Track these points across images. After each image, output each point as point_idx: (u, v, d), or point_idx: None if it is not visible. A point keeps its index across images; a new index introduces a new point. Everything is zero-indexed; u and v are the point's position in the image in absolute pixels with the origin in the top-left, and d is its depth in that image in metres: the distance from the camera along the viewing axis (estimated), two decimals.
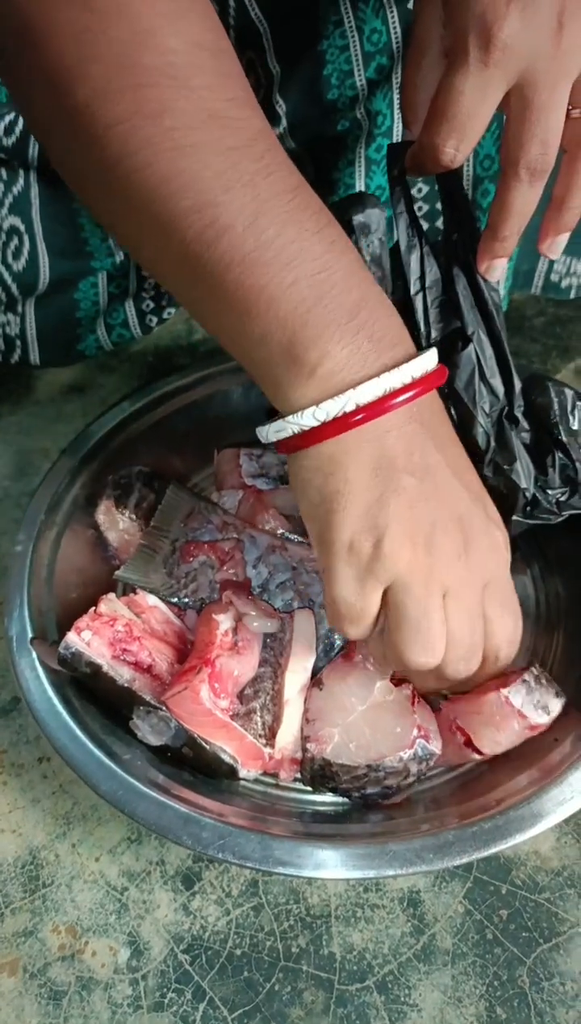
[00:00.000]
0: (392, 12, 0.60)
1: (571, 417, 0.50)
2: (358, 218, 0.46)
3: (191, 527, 0.53)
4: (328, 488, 0.38)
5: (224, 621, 0.47)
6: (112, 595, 0.49)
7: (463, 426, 0.47)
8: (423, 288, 0.47)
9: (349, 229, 0.45)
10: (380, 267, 0.47)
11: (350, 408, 0.37)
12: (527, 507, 0.48)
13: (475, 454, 0.46)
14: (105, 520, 0.55)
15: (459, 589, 0.39)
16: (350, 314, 0.37)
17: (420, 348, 0.41)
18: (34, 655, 0.47)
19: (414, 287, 0.47)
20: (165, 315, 0.77)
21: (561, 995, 0.44)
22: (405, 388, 0.38)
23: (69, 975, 0.45)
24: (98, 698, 0.46)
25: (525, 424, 0.48)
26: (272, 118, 0.65)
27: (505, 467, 0.47)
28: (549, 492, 0.48)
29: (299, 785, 0.48)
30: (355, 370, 0.37)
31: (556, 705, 0.45)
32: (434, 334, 0.47)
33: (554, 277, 0.74)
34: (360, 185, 0.66)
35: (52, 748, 0.44)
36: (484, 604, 0.41)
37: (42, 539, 0.52)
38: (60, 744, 0.44)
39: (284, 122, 0.66)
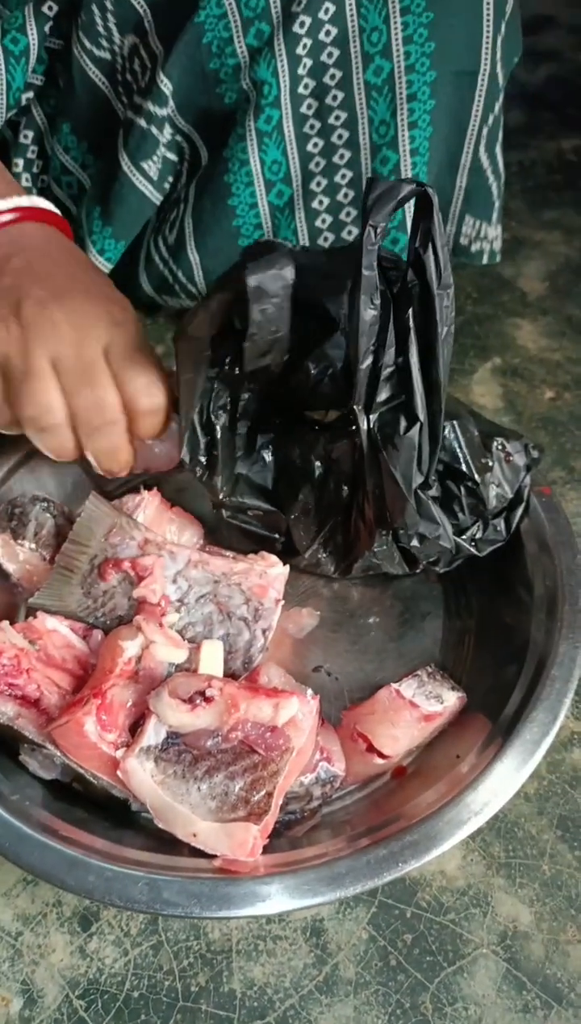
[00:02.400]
0: None
1: (484, 451, 0.49)
2: (252, 281, 0.42)
3: (111, 543, 0.50)
4: None
5: (130, 647, 0.44)
6: (4, 623, 0.47)
7: (392, 505, 0.46)
8: (374, 356, 0.43)
9: (245, 291, 0.43)
10: (276, 327, 0.44)
11: None
12: (452, 559, 0.50)
13: (396, 529, 0.47)
14: (3, 553, 0.52)
15: (62, 351, 0.45)
16: None
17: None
18: None
19: (364, 354, 0.42)
20: None
21: (464, 1020, 0.43)
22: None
23: None
24: None
25: (434, 482, 0.48)
26: (159, 99, 0.63)
27: (429, 537, 0.47)
28: (465, 536, 0.49)
29: None
30: None
31: (451, 696, 0.46)
32: (379, 399, 0.43)
33: (463, 241, 0.73)
34: (254, 160, 0.64)
35: None
36: (108, 363, 0.46)
37: None
38: None
39: (171, 102, 0.63)
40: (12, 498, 0.54)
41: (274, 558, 0.50)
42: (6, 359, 0.46)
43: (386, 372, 0.43)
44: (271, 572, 0.49)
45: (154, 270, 0.75)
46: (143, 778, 0.40)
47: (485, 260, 0.75)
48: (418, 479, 0.45)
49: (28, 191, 0.74)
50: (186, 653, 0.46)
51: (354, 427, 0.45)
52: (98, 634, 0.48)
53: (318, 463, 0.49)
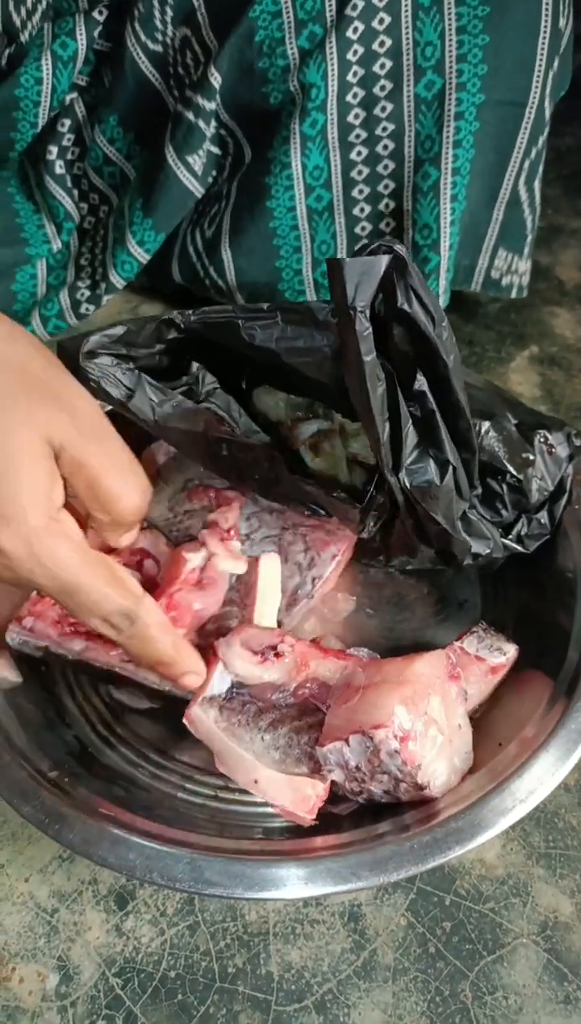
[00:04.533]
0: None
1: (525, 444, 0.48)
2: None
3: (210, 474, 0.54)
4: None
5: (193, 559, 0.47)
6: None
7: (438, 538, 0.45)
8: (390, 423, 0.41)
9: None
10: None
11: None
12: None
13: (451, 556, 0.47)
14: None
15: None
16: None
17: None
18: None
19: (382, 427, 0.41)
20: (102, 301, 0.74)
21: (504, 1009, 0.43)
22: None
23: None
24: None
25: (477, 496, 0.47)
26: (208, 93, 0.63)
27: (483, 554, 0.47)
28: (511, 535, 0.49)
29: (238, 796, 0.46)
30: None
31: (510, 648, 0.47)
32: (408, 462, 0.41)
33: (495, 274, 0.73)
34: (295, 163, 0.64)
35: None
36: (63, 451, 0.35)
37: None
38: None
39: (218, 96, 0.63)
40: None
41: (346, 525, 0.50)
42: None
43: (406, 430, 0.41)
44: (338, 531, 0.50)
45: (187, 263, 0.75)
46: (208, 724, 0.40)
47: (514, 294, 0.74)
48: (461, 509, 0.44)
49: (61, 179, 0.74)
50: (245, 565, 0.48)
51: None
52: (151, 564, 0.49)
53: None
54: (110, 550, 0.42)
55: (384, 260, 0.37)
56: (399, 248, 0.37)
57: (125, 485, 0.36)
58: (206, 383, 0.47)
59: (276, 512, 0.52)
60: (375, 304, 0.38)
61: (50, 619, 0.46)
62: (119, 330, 0.44)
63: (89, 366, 0.42)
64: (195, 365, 0.47)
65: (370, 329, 0.37)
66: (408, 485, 0.42)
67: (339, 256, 0.69)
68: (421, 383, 0.40)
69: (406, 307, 0.38)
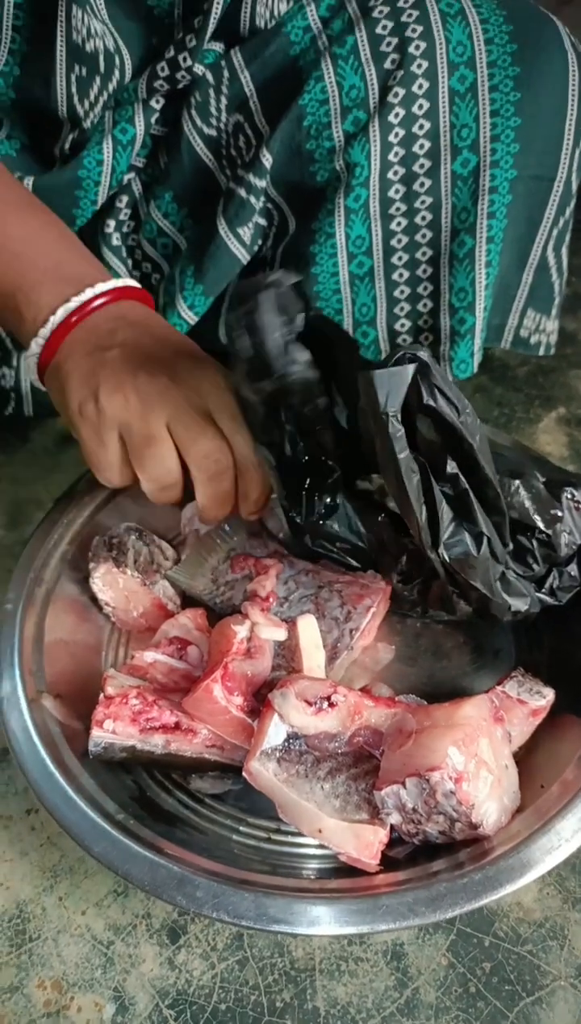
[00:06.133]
0: (370, 70, 0.64)
1: (553, 501, 0.51)
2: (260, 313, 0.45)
3: (250, 543, 0.58)
4: (61, 382, 0.51)
5: (241, 630, 0.49)
6: (112, 670, 0.50)
7: (479, 604, 0.49)
8: (425, 503, 0.45)
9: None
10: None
11: (55, 327, 0.52)
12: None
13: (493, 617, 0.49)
14: (103, 581, 0.55)
15: (176, 414, 0.49)
16: (50, 272, 0.54)
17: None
18: (25, 714, 0.47)
19: (419, 510, 0.44)
20: None
21: None
22: (94, 299, 0.52)
23: None
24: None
25: (509, 552, 0.50)
26: (259, 172, 0.68)
27: (522, 611, 0.49)
28: (544, 589, 0.51)
29: (291, 839, 0.48)
30: (56, 304, 0.52)
31: (548, 691, 0.49)
32: (445, 537, 0.45)
33: (524, 333, 0.77)
34: (339, 234, 0.69)
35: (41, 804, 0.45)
36: (216, 423, 0.49)
37: (31, 597, 0.53)
38: (52, 805, 0.44)
39: (269, 174, 0.68)
40: (109, 531, 0.58)
41: (379, 576, 0.53)
42: (128, 426, 0.49)
43: (441, 509, 0.44)
44: (372, 584, 0.52)
45: None
46: (268, 777, 0.42)
47: (541, 352, 0.78)
48: (498, 572, 0.47)
49: (117, 250, 0.79)
50: (285, 632, 0.51)
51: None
52: (193, 650, 0.51)
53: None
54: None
55: (410, 369, 0.41)
56: (422, 354, 0.41)
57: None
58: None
59: (312, 572, 0.55)
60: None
61: (127, 717, 0.46)
62: (293, 277, 0.47)
63: (266, 295, 0.45)
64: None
65: (402, 431, 0.41)
66: (447, 559, 0.45)
67: (378, 319, 0.74)
68: (452, 466, 0.44)
69: (431, 403, 0.42)
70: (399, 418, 0.41)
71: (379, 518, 0.52)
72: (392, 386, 0.41)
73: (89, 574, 0.55)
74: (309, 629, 0.50)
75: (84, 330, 0.51)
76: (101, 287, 0.53)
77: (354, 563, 0.56)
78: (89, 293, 0.52)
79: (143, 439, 0.49)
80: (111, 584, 0.55)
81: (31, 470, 0.77)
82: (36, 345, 0.52)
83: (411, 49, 0.62)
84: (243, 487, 0.52)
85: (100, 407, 0.49)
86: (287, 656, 0.51)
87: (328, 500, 0.52)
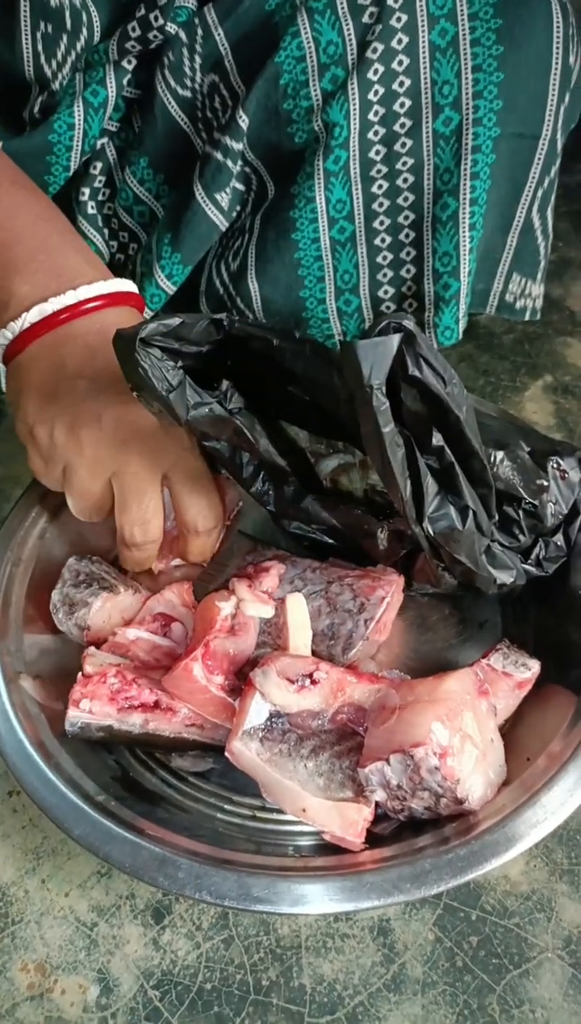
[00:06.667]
0: (348, 25, 0.61)
1: (538, 471, 0.50)
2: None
3: (246, 559, 0.57)
4: (19, 386, 0.49)
5: (225, 607, 0.48)
6: (92, 649, 0.49)
7: (465, 576, 0.48)
8: (409, 477, 0.43)
9: None
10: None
11: (26, 326, 0.48)
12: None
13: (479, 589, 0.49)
14: (107, 614, 0.52)
15: (122, 473, 0.48)
16: (28, 259, 0.49)
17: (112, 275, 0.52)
18: (3, 695, 0.46)
19: (403, 485, 0.43)
20: None
21: (531, 1022, 0.44)
22: (77, 305, 0.48)
23: (38, 1015, 0.45)
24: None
25: (495, 524, 0.49)
26: (236, 134, 0.66)
27: (508, 583, 0.48)
28: (530, 559, 0.50)
29: (277, 815, 0.47)
30: (34, 299, 0.48)
31: (534, 664, 0.48)
32: (430, 511, 0.44)
33: (509, 298, 0.75)
34: (319, 198, 0.67)
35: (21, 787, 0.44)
36: (170, 484, 0.49)
37: (10, 577, 0.52)
38: (31, 787, 0.43)
39: (246, 137, 0.66)
40: (64, 578, 0.54)
41: (391, 570, 0.52)
42: (73, 469, 0.48)
43: (426, 482, 0.43)
44: (384, 576, 0.51)
45: (214, 294, 0.78)
46: (250, 757, 0.42)
47: (528, 316, 0.76)
48: (484, 545, 0.46)
49: (92, 218, 0.77)
50: (273, 609, 0.50)
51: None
52: (177, 626, 0.51)
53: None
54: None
55: (396, 339, 0.38)
56: (407, 323, 0.39)
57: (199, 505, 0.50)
58: (233, 401, 0.48)
59: (319, 569, 0.53)
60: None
61: (105, 696, 0.46)
62: (176, 321, 0.44)
63: (142, 354, 0.43)
64: (225, 383, 0.48)
65: (387, 404, 0.39)
66: (432, 533, 0.44)
67: (361, 286, 0.72)
68: (438, 439, 0.42)
69: (417, 373, 0.40)
70: (384, 391, 0.39)
71: (340, 507, 0.51)
72: (376, 357, 0.38)
73: (76, 610, 0.51)
74: (298, 607, 0.49)
75: (62, 335, 0.49)
76: (86, 291, 0.49)
77: (331, 541, 0.55)
78: (72, 297, 0.49)
79: (81, 490, 0.48)
80: (110, 612, 0.52)
81: (9, 446, 0.75)
82: (3, 337, 0.50)
83: (390, 2, 0.60)
84: (180, 549, 0.53)
85: (53, 440, 0.48)
86: (273, 634, 0.50)
87: (292, 489, 0.51)
